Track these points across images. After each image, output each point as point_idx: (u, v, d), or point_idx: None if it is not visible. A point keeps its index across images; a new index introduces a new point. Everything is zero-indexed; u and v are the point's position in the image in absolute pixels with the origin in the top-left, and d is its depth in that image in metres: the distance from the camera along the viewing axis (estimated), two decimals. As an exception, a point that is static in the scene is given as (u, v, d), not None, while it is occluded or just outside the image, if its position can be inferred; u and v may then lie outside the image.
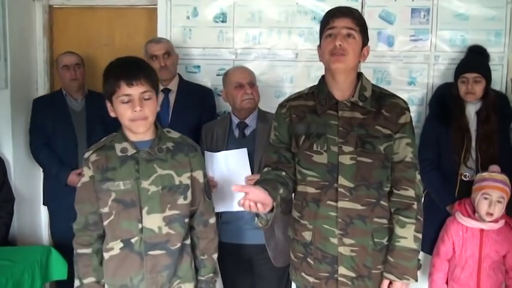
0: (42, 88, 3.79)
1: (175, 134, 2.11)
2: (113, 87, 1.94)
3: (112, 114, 2.01)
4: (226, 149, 2.65)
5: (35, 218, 3.80)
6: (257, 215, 1.94)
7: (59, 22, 3.84)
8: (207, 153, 2.63)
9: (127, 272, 2.02)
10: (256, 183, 1.99)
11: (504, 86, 3.27)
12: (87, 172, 2.02)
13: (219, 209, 2.55)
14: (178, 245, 2.04)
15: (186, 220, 2.07)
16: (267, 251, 2.64)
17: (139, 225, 1.99)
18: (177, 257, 2.05)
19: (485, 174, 2.81)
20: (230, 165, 2.60)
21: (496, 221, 2.76)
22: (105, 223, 2.02)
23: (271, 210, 1.91)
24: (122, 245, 2.01)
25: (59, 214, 3.47)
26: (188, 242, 2.10)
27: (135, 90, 1.92)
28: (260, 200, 1.83)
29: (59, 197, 3.42)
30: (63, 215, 3.42)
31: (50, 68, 3.83)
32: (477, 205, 2.76)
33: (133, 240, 2.00)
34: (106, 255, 2.04)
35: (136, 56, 2.13)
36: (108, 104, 2.01)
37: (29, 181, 3.70)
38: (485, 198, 2.73)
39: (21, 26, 3.59)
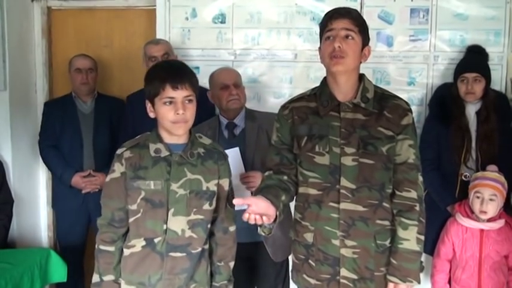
0: (41, 90, 3.79)
1: (206, 140, 2.14)
2: (158, 88, 1.97)
3: (151, 115, 2.04)
4: None
5: (35, 220, 3.80)
6: (260, 224, 1.93)
7: (57, 24, 3.84)
8: None
9: (146, 271, 2.03)
10: (257, 191, 2.00)
11: (504, 85, 3.27)
12: (119, 168, 2.03)
13: None
14: (199, 249, 2.06)
15: (209, 226, 2.09)
16: (265, 247, 2.67)
17: (164, 226, 2.01)
18: (196, 261, 2.06)
19: (478, 173, 2.83)
20: None
21: (494, 219, 2.76)
22: (130, 220, 2.03)
23: (275, 219, 1.91)
24: (144, 243, 2.03)
25: (65, 216, 3.48)
26: (207, 247, 2.12)
27: (179, 94, 1.96)
28: (263, 211, 1.83)
29: (66, 199, 3.43)
30: (68, 218, 3.45)
31: (48, 69, 3.83)
32: (471, 204, 2.77)
33: (156, 240, 2.02)
34: (126, 252, 2.06)
35: (181, 61, 2.17)
36: (148, 105, 2.03)
37: (28, 183, 3.69)
38: (478, 197, 2.74)
39: (19, 28, 3.59)
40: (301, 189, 2.10)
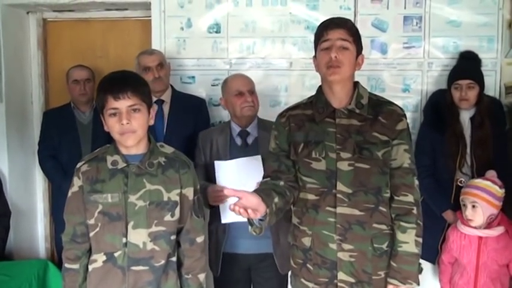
0: (36, 101, 3.80)
1: (168, 149, 2.09)
2: (102, 101, 1.94)
3: (105, 128, 2.00)
4: (229, 158, 2.62)
5: (32, 231, 3.80)
6: (250, 223, 1.93)
7: (53, 35, 3.86)
8: (218, 163, 2.58)
9: (109, 287, 2.00)
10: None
11: (498, 91, 3.29)
12: (77, 182, 2.01)
13: (231, 219, 2.52)
14: (163, 262, 2.02)
15: (173, 237, 2.05)
16: (268, 259, 2.64)
17: (124, 240, 1.97)
18: (161, 274, 2.02)
19: (471, 180, 2.83)
20: (243, 173, 2.54)
21: (491, 226, 2.72)
22: (90, 234, 2.01)
23: (264, 218, 1.90)
24: (104, 258, 2.00)
25: (63, 226, 3.47)
26: (174, 259, 2.08)
27: (122, 104, 1.91)
28: (252, 206, 1.82)
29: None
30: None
31: (44, 81, 3.84)
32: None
33: (116, 254, 1.99)
34: (90, 267, 2.03)
35: (128, 70, 2.10)
36: (102, 118, 2.00)
37: (25, 195, 3.69)
38: (464, 205, 2.74)
39: (15, 40, 3.61)
40: (300, 195, 2.11)
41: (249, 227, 1.96)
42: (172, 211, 2.02)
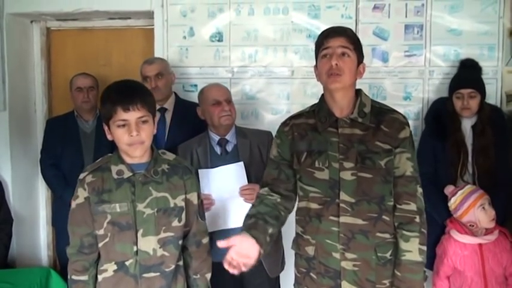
0: (40, 110, 3.82)
1: (170, 156, 2.12)
2: (110, 112, 1.94)
3: (109, 137, 2.01)
4: (210, 167, 2.65)
5: (34, 239, 3.80)
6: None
7: (56, 44, 3.89)
8: (202, 171, 2.61)
9: None
10: (245, 228, 1.97)
11: (499, 99, 3.30)
12: (82, 193, 2.01)
13: (216, 227, 2.54)
14: (173, 266, 2.04)
15: (180, 242, 2.08)
16: (257, 265, 2.65)
17: (135, 248, 1.99)
18: (172, 279, 2.05)
19: (457, 199, 2.79)
20: (227, 180, 2.60)
21: (491, 232, 2.74)
22: (100, 245, 2.01)
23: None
24: (115, 267, 2.01)
25: (64, 234, 3.47)
26: (181, 263, 2.11)
27: (132, 116, 1.93)
28: (245, 251, 1.84)
29: (66, 218, 3.41)
30: (68, 236, 3.44)
31: (48, 89, 3.86)
32: (478, 221, 2.72)
33: (127, 263, 2.00)
34: (99, 277, 2.03)
35: (134, 80, 2.12)
36: (106, 128, 2.01)
37: (27, 202, 3.70)
38: (483, 208, 2.72)
39: (19, 49, 3.63)
40: (302, 204, 2.12)
41: None
42: (179, 216, 2.05)
